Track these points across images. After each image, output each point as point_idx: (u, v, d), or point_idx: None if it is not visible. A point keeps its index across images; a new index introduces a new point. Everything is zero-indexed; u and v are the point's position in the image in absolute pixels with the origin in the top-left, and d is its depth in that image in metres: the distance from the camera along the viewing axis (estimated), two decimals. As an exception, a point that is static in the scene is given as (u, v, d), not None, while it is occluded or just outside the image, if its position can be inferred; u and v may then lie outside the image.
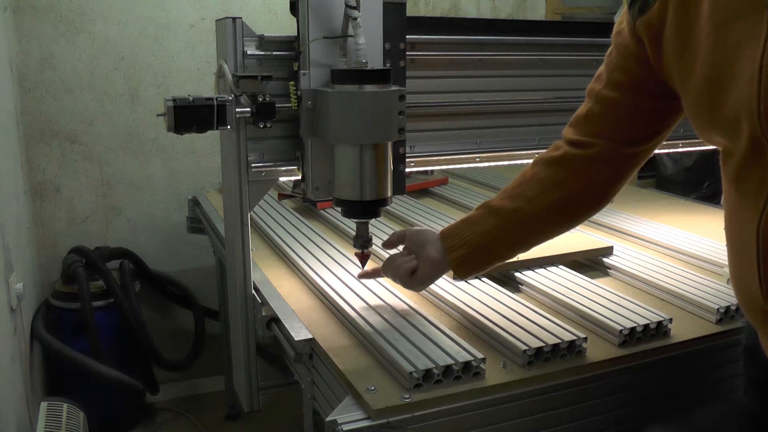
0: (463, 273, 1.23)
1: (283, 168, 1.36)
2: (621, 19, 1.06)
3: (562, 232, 1.22)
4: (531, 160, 1.59)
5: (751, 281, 0.89)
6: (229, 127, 1.27)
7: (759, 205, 0.86)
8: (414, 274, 1.26)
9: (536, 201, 1.16)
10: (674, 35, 0.95)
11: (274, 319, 1.38)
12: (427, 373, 1.09)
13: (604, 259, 1.67)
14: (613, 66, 1.09)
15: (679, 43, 0.94)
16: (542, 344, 1.17)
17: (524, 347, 1.16)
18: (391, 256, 1.32)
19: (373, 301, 1.39)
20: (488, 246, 1.20)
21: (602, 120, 1.12)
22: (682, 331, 1.30)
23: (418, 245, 1.27)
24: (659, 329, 1.27)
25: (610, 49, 1.11)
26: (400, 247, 1.34)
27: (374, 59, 1.26)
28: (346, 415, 1.04)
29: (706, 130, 0.95)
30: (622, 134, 1.12)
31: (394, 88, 1.20)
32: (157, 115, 1.28)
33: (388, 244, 1.36)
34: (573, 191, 1.16)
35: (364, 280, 1.48)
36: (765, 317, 0.90)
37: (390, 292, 1.44)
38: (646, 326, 1.26)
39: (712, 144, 0.96)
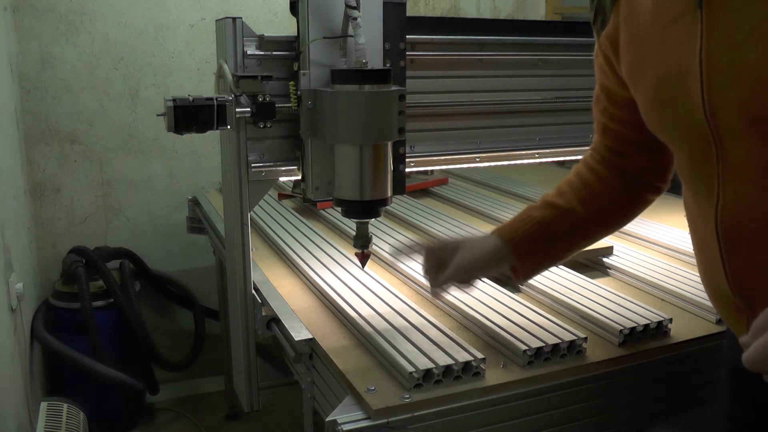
0: (523, 256, 1.15)
1: (283, 168, 1.36)
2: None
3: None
4: (531, 161, 1.60)
5: (718, 277, 0.90)
6: (229, 127, 1.27)
7: (712, 201, 0.87)
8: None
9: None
10: (627, 42, 0.98)
11: (274, 319, 1.38)
12: (427, 373, 1.09)
13: (604, 259, 1.67)
14: (602, 111, 1.13)
15: (631, 49, 0.98)
16: (542, 344, 1.17)
17: (524, 347, 1.16)
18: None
19: (373, 301, 1.39)
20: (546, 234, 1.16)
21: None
22: (682, 331, 1.30)
23: (446, 255, 1.17)
24: (659, 329, 1.27)
25: (595, 91, 1.14)
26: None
27: (374, 59, 1.26)
28: (346, 415, 1.04)
29: (660, 130, 0.97)
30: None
31: (394, 88, 1.20)
32: (157, 115, 1.28)
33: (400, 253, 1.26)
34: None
35: (365, 280, 1.48)
36: (739, 314, 0.90)
37: (390, 292, 1.44)
38: (646, 326, 1.26)
39: (666, 143, 0.99)
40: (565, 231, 1.16)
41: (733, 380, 1.05)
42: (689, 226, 0.98)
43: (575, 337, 1.20)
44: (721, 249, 0.88)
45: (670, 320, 1.29)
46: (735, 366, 1.03)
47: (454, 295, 1.41)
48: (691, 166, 0.92)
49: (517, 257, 1.15)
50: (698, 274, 0.97)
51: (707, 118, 0.84)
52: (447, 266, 1.15)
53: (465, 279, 1.18)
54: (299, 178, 1.35)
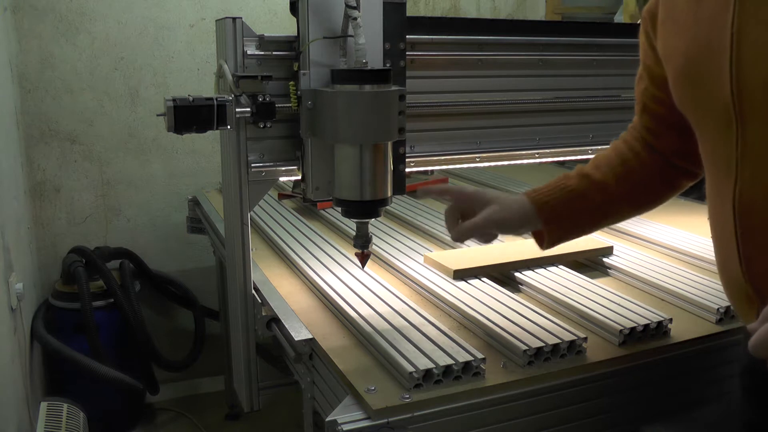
0: (549, 224, 1.15)
1: (283, 168, 1.36)
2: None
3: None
4: (531, 161, 1.60)
5: (732, 262, 0.89)
6: (229, 127, 1.27)
7: (731, 182, 0.87)
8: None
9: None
10: (664, 17, 0.99)
11: (274, 319, 1.38)
12: (427, 373, 1.09)
13: (604, 259, 1.67)
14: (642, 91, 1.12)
15: (666, 25, 0.98)
16: (542, 344, 1.17)
17: (524, 347, 1.16)
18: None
19: (373, 301, 1.39)
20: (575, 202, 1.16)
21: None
22: (682, 331, 1.30)
23: (473, 206, 1.18)
24: (659, 329, 1.27)
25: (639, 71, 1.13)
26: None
27: (374, 59, 1.26)
28: (346, 415, 1.04)
29: (686, 108, 0.97)
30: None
31: (394, 88, 1.20)
32: (157, 115, 1.28)
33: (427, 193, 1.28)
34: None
35: (365, 280, 1.48)
36: (750, 303, 0.90)
37: (390, 292, 1.44)
38: (646, 326, 1.26)
39: (691, 122, 0.98)
40: (595, 205, 1.15)
41: (746, 378, 1.05)
42: (709, 213, 0.97)
43: (575, 337, 1.20)
44: (737, 232, 0.87)
45: (670, 320, 1.29)
46: (749, 364, 1.03)
47: (454, 295, 1.42)
48: (713, 146, 0.92)
49: (543, 223, 1.15)
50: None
51: (733, 94, 0.84)
52: (469, 217, 1.16)
53: (489, 233, 1.19)
54: (299, 178, 1.35)
